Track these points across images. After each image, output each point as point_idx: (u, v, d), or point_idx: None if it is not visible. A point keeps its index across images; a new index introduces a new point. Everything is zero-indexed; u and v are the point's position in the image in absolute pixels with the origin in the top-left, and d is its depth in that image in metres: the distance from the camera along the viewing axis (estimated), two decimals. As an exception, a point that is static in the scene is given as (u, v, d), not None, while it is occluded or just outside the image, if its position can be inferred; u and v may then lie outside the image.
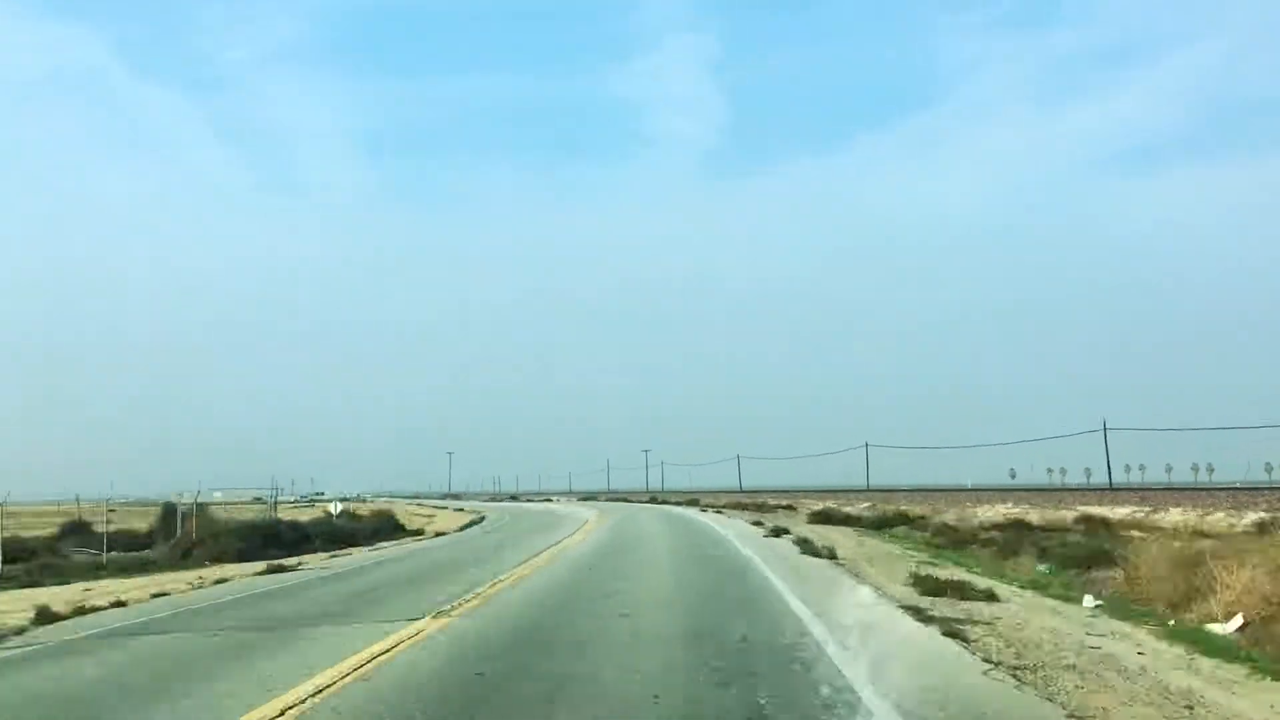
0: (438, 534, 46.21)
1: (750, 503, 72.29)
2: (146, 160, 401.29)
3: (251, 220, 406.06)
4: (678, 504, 75.96)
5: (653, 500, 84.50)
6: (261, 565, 25.51)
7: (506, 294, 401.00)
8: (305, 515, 53.57)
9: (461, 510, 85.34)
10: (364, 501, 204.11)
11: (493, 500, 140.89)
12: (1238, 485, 46.83)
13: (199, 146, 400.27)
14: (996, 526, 34.91)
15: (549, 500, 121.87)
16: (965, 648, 10.47)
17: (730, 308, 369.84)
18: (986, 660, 9.80)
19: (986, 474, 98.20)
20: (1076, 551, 19.15)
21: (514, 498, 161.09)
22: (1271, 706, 8.05)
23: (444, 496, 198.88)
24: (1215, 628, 11.31)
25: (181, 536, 33.96)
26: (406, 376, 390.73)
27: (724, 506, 67.18)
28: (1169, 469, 70.27)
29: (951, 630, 11.39)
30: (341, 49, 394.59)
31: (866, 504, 64.73)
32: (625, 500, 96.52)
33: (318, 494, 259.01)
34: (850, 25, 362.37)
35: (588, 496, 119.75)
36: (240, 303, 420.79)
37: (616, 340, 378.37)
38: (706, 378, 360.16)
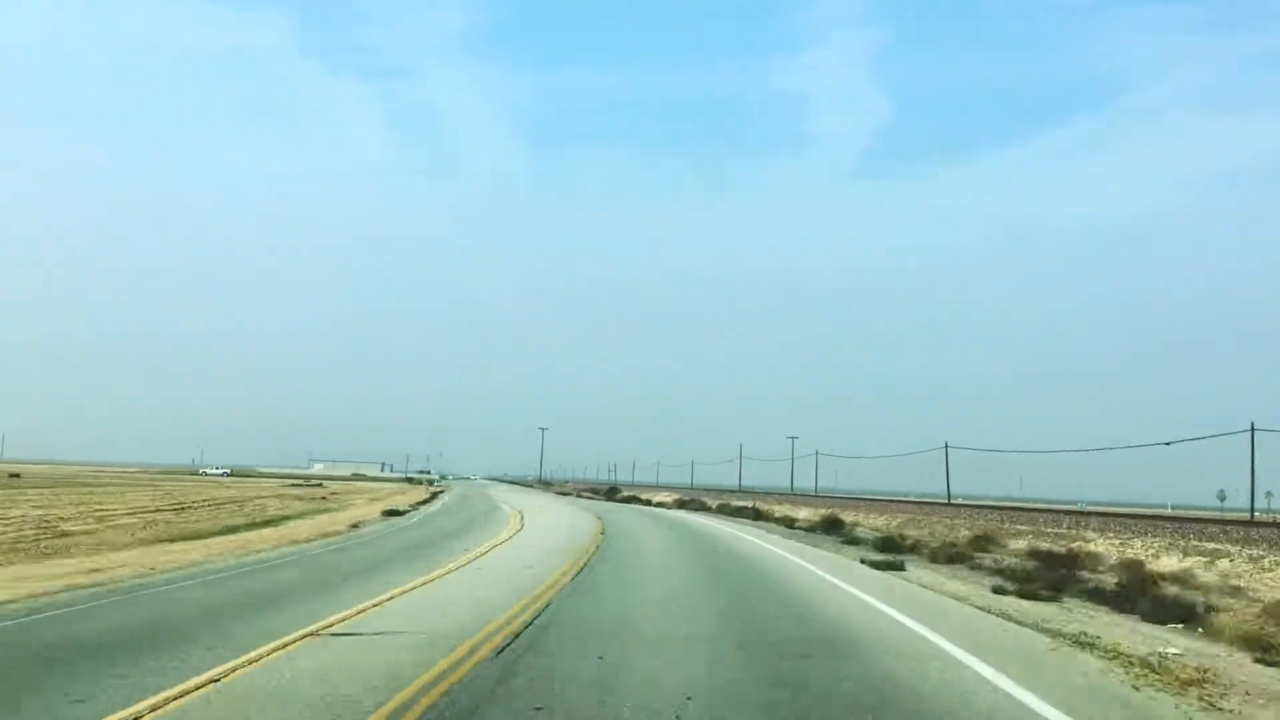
0: None
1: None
2: (311, 140, 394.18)
3: (403, 201, 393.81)
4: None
5: (829, 521, 41.52)
6: None
7: (644, 279, 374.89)
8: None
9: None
10: (463, 481, 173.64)
11: (564, 493, 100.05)
12: None
13: (360, 127, 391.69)
14: None
15: (647, 503, 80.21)
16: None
17: (892, 306, 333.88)
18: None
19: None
20: None
21: (614, 489, 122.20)
22: None
23: (536, 482, 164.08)
24: None
25: None
26: (534, 364, 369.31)
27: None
28: None
29: None
30: (502, 41, 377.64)
31: None
32: (759, 515, 52.58)
33: (422, 471, 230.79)
34: (1024, 28, 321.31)
35: (688, 500, 74.89)
36: (385, 279, 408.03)
37: (755, 331, 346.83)
38: (864, 372, 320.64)
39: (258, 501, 47.60)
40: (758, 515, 44.62)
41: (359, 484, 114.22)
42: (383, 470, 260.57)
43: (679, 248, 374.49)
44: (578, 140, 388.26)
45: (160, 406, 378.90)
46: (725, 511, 51.05)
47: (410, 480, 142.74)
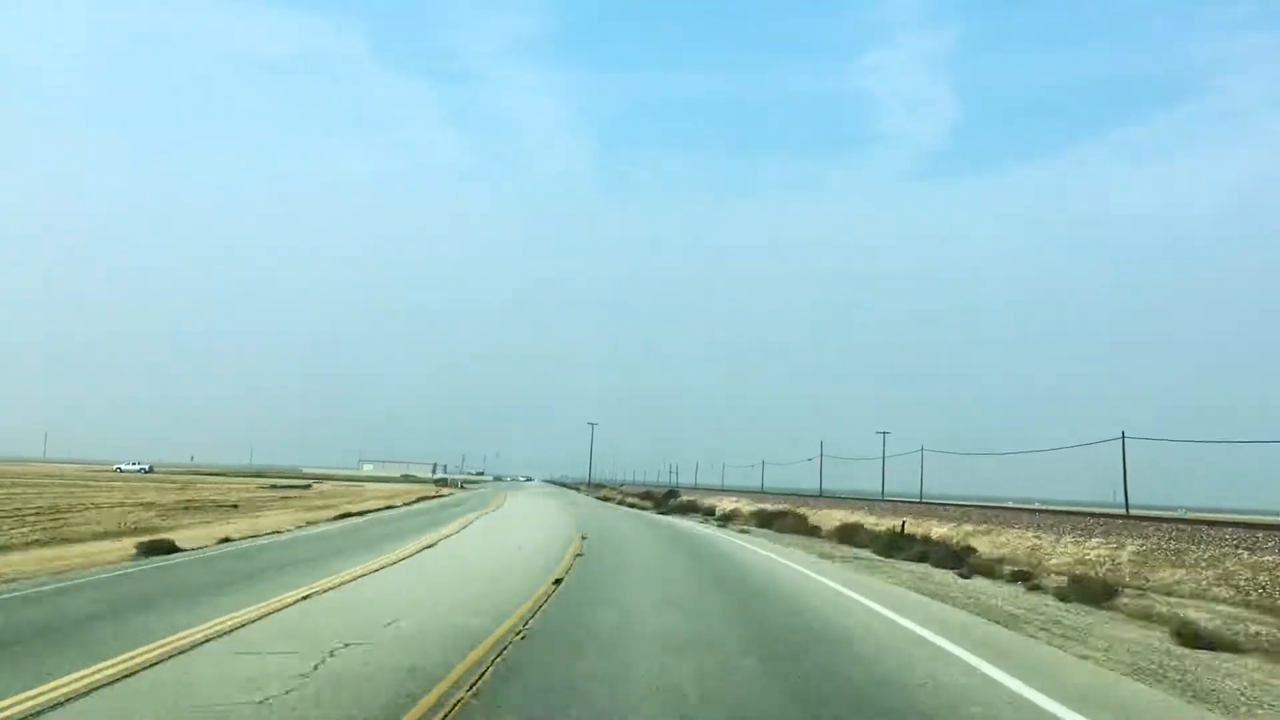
0: None
1: None
2: (378, 143, 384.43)
3: (455, 199, 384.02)
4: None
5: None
6: None
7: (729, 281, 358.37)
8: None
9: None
10: (508, 482, 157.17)
11: (605, 499, 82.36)
12: None
13: (428, 129, 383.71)
14: None
15: (709, 513, 61.96)
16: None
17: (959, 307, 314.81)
18: None
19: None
20: None
21: (671, 494, 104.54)
22: None
23: (583, 485, 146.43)
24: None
25: None
26: (593, 363, 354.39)
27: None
28: None
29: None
30: (568, 43, 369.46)
31: None
32: (957, 558, 31.71)
33: (478, 474, 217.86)
34: (1100, 24, 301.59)
35: (774, 512, 54.92)
36: (445, 277, 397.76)
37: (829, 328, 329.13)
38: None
39: (118, 510, 30.23)
40: (956, 560, 22.92)
41: (373, 485, 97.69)
42: (433, 471, 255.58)
43: (747, 246, 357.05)
44: (638, 142, 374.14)
45: (220, 406, 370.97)
46: (866, 544, 29.82)
47: (439, 483, 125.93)
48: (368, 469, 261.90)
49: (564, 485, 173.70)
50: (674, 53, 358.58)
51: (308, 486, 74.50)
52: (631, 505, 63.70)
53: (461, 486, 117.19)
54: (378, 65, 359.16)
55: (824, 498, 79.58)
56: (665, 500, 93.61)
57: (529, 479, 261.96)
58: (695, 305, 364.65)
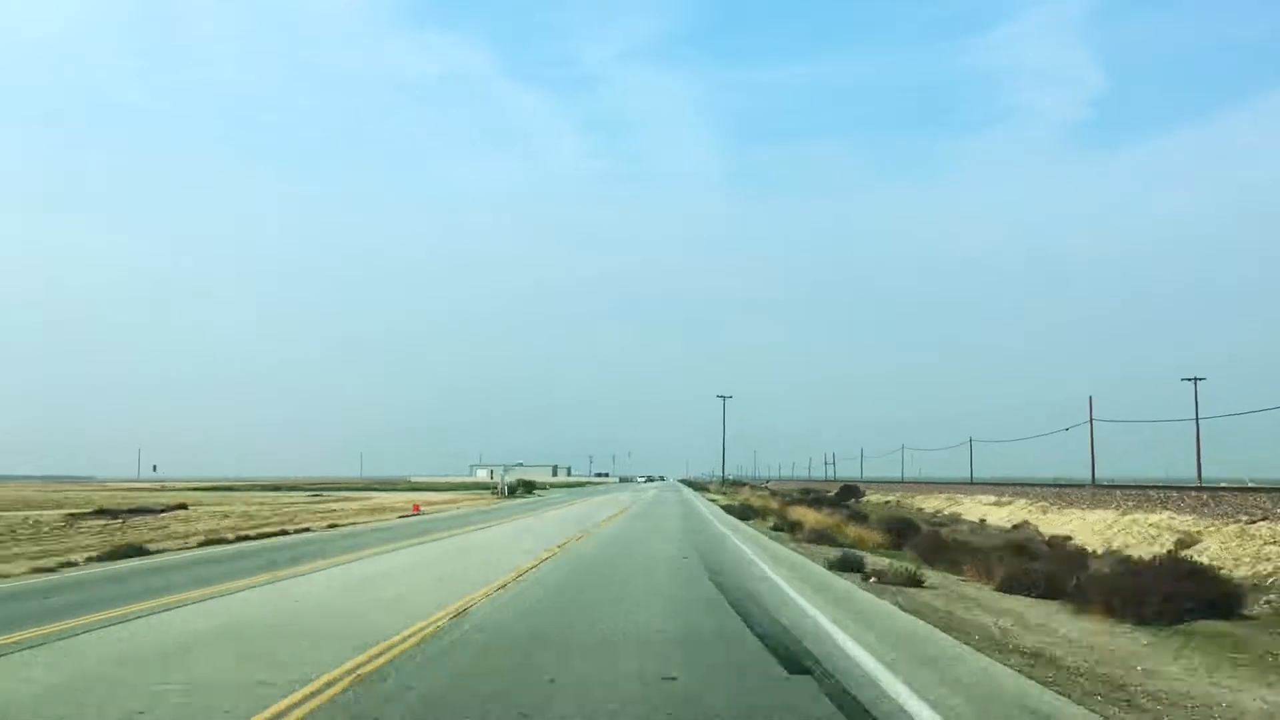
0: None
1: None
2: (508, 154, 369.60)
3: (600, 208, 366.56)
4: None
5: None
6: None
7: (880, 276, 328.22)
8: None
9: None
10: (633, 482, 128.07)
11: (740, 510, 47.06)
12: None
13: (557, 138, 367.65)
14: None
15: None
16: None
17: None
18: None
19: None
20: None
21: (849, 490, 70.56)
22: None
23: (713, 483, 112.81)
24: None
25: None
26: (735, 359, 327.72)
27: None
28: None
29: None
30: (696, 41, 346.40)
31: None
32: None
33: (600, 475, 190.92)
34: None
35: None
36: (581, 286, 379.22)
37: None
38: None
39: None
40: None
41: (382, 494, 66.48)
42: (554, 474, 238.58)
43: (890, 233, 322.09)
44: (775, 134, 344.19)
45: (330, 418, 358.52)
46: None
47: (494, 490, 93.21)
48: (480, 475, 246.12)
49: (694, 485, 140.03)
50: (775, 45, 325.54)
51: (178, 508, 43.12)
52: (803, 546, 24.91)
53: (528, 491, 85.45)
54: (504, 77, 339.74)
55: (1136, 489, 42.74)
56: (842, 501, 58.16)
57: (653, 478, 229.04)
58: (847, 292, 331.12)
